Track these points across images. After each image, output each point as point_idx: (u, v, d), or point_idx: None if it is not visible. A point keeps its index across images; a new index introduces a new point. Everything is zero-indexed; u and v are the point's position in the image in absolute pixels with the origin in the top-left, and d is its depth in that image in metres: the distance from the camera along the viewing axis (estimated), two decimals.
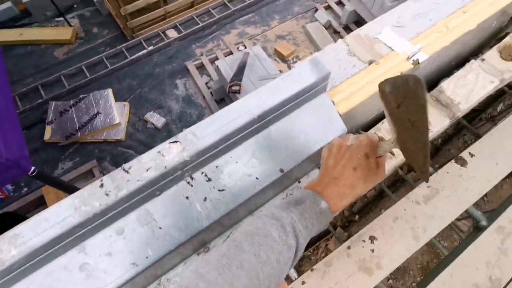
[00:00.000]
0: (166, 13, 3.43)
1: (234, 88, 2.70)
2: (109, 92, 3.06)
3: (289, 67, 3.27)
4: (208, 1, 3.58)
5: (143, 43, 3.40)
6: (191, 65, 3.28)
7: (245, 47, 3.21)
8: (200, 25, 3.48)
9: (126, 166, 0.54)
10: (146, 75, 3.29)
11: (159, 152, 0.56)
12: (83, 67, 3.21)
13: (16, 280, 0.49)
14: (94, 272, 0.54)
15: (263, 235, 0.44)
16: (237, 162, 0.64)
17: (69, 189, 1.41)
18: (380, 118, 0.85)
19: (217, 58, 3.24)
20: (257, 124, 0.63)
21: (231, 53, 3.23)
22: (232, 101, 2.88)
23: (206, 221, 0.62)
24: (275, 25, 3.46)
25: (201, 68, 3.33)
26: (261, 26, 3.46)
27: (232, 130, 0.59)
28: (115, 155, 2.89)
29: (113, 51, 3.34)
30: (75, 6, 3.58)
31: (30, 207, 2.50)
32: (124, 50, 3.35)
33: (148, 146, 2.95)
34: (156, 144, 2.75)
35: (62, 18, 3.37)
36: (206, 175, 0.62)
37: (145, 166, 0.55)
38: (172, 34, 3.49)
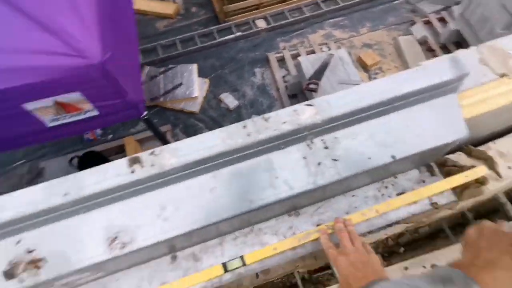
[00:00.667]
0: (259, 3, 3.58)
1: (311, 86, 2.73)
2: (194, 67, 3.31)
3: (370, 78, 3.19)
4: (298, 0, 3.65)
5: (233, 28, 3.59)
6: (272, 57, 3.38)
7: (329, 49, 3.21)
8: (288, 20, 3.56)
9: (266, 115, 0.62)
10: (230, 58, 3.48)
11: (295, 110, 0.63)
12: (177, 40, 3.51)
13: (165, 184, 0.60)
14: (218, 200, 0.63)
15: None
16: (354, 139, 0.69)
17: (163, 139, 1.60)
18: (498, 135, 0.82)
19: (299, 55, 3.29)
20: (382, 108, 0.67)
21: (313, 52, 3.25)
22: (306, 99, 2.92)
23: (313, 185, 0.67)
24: (364, 32, 3.40)
25: (281, 61, 3.42)
26: (350, 31, 3.43)
27: (361, 107, 0.64)
28: (187, 125, 3.13)
29: (205, 30, 3.59)
30: None
31: (111, 152, 2.84)
32: (215, 32, 3.57)
33: (217, 124, 3.14)
34: (225, 123, 2.91)
35: None
36: (324, 143, 0.68)
37: (282, 119, 0.62)
38: (261, 24, 3.63)
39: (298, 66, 2.93)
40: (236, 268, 0.70)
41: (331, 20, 3.54)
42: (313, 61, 2.89)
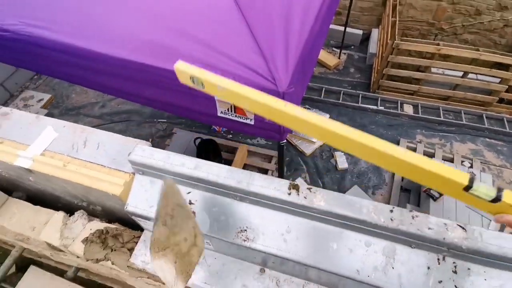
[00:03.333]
0: (417, 90, 3.57)
1: (433, 192, 2.54)
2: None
3: None
4: (464, 104, 3.47)
5: (379, 101, 3.67)
6: (403, 143, 3.29)
7: (471, 167, 2.92)
8: (439, 118, 3.42)
9: (416, 213, 0.69)
10: (361, 124, 3.55)
11: (445, 224, 0.67)
12: (324, 88, 3.80)
13: (302, 215, 0.73)
14: (331, 252, 0.71)
15: None
16: (485, 279, 0.67)
17: (281, 165, 1.81)
18: None
19: (433, 155, 3.12)
20: None
21: (451, 161, 3.03)
22: (418, 200, 2.71)
23: None
24: None
25: None
26: (504, 160, 3.06)
27: (510, 256, 0.63)
28: (292, 160, 3.32)
29: (352, 91, 3.78)
30: (352, 47, 4.26)
31: (225, 148, 3.25)
32: (360, 96, 3.72)
33: (318, 174, 3.22)
34: (326, 178, 2.91)
35: (338, 50, 4.09)
36: (455, 267, 0.69)
37: (429, 224, 0.67)
38: (408, 109, 3.60)
39: None
40: None
41: (487, 139, 3.23)
42: None
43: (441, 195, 2.49)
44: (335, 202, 0.71)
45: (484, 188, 0.47)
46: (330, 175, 3.23)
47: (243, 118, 1.55)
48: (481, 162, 2.99)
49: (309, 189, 0.74)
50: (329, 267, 0.73)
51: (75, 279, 1.27)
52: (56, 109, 3.65)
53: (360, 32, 4.23)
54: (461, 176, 0.48)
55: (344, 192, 3.06)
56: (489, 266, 0.68)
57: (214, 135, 3.42)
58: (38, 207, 1.05)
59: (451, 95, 3.42)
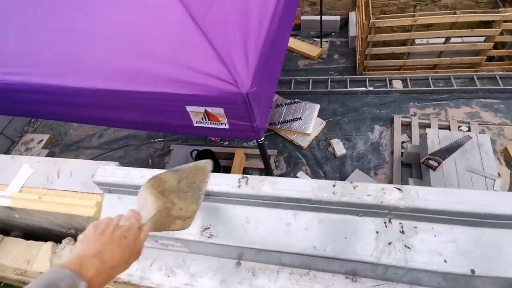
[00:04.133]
0: (403, 64, 3.55)
1: (431, 162, 2.52)
2: (316, 107, 3.53)
3: None
4: (453, 69, 3.42)
5: (367, 82, 3.66)
6: (398, 119, 3.27)
7: (469, 130, 2.88)
8: (430, 88, 3.39)
9: (355, 183, 0.72)
10: (353, 108, 3.55)
11: (383, 188, 0.70)
12: (311, 80, 3.82)
13: (255, 204, 0.77)
14: (291, 234, 0.75)
15: None
16: (435, 236, 0.70)
17: (266, 163, 1.85)
18: None
19: (428, 126, 3.09)
20: (474, 219, 0.66)
21: (448, 128, 2.99)
22: (420, 173, 2.69)
23: (375, 259, 0.71)
24: None
25: (406, 126, 3.26)
26: (503, 118, 2.99)
27: (452, 210, 0.65)
28: (291, 156, 3.34)
29: (339, 77, 3.79)
30: (333, 34, 4.28)
31: (222, 156, 3.31)
32: (348, 81, 3.72)
33: (318, 165, 3.24)
34: (326, 167, 2.94)
35: (319, 40, 4.12)
36: (402, 227, 0.72)
37: (368, 192, 0.70)
38: (397, 85, 3.57)
39: (423, 136, 2.75)
40: None
41: (482, 100, 3.17)
42: (443, 137, 2.66)
43: (439, 164, 2.46)
44: (280, 187, 0.75)
45: None
46: (330, 164, 3.23)
47: (218, 124, 1.61)
48: (479, 124, 2.94)
49: (257, 179, 0.79)
50: (288, 248, 0.77)
51: None
52: (57, 147, 3.82)
53: (338, 18, 4.24)
54: None
55: (345, 178, 3.06)
56: (436, 222, 0.70)
57: (210, 145, 3.49)
58: (30, 241, 1.13)
59: (438, 63, 3.38)
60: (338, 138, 3.34)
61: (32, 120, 4.24)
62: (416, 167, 2.89)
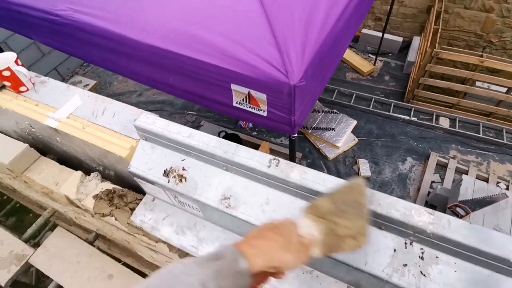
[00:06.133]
0: (456, 103, 3.37)
1: (459, 210, 2.39)
2: (353, 123, 3.45)
3: None
4: (508, 122, 3.20)
5: (412, 112, 3.52)
6: (434, 157, 3.13)
7: (507, 189, 2.69)
8: (478, 135, 3.20)
9: (387, 195, 0.70)
10: (390, 134, 3.43)
11: (413, 208, 0.68)
12: (354, 94, 3.74)
13: (280, 188, 0.77)
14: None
15: None
16: (455, 271, 0.66)
17: (293, 158, 1.85)
18: None
19: (465, 172, 2.92)
20: (503, 266, 0.62)
21: (486, 180, 2.81)
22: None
23: (385, 276, 0.69)
24: None
25: (441, 167, 3.11)
26: None
27: (483, 250, 0.62)
28: (314, 163, 3.30)
29: (383, 99, 3.67)
30: (390, 54, 4.14)
31: (248, 145, 3.34)
32: (392, 105, 3.60)
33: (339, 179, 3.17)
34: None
35: (374, 57, 4.00)
36: (422, 253, 0.69)
37: (396, 207, 0.68)
38: (444, 123, 3.41)
39: (457, 182, 2.61)
40: None
41: None
42: (478, 188, 2.51)
43: (467, 213, 2.32)
44: (309, 177, 0.75)
45: None
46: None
47: (257, 109, 1.62)
48: None
49: (288, 164, 0.79)
50: None
51: (94, 244, 1.43)
52: (100, 94, 4.03)
53: (400, 39, 4.09)
54: None
55: None
56: (461, 258, 0.67)
57: (239, 131, 3.52)
58: (63, 166, 1.21)
59: (494, 111, 3.18)
60: (366, 160, 3.25)
61: (84, 64, 4.50)
62: (440, 211, 2.74)
